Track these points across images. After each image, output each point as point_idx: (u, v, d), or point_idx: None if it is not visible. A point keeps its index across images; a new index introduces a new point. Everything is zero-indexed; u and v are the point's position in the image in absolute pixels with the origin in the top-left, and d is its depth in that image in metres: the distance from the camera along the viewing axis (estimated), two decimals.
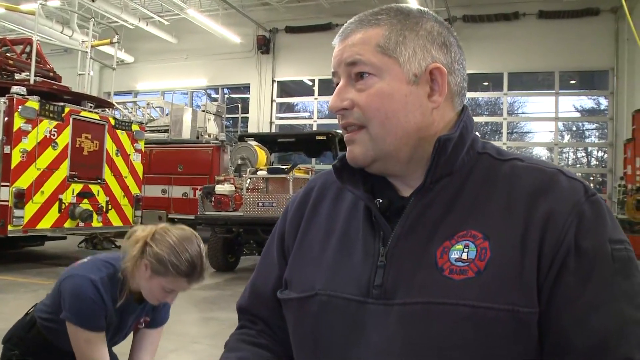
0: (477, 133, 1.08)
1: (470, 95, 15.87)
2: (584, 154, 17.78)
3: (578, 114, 16.77)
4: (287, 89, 18.90)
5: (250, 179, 8.95)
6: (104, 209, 9.24)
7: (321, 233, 1.11)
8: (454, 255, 0.92)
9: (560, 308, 0.87)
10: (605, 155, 15.89)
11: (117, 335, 2.26)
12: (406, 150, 1.01)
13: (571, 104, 16.46)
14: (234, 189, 9.10)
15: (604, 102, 16.02)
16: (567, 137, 17.18)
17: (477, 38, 14.94)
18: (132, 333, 2.35)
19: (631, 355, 0.83)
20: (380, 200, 1.04)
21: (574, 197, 0.93)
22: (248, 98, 18.51)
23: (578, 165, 17.18)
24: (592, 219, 0.91)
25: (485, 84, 17.00)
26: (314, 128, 17.46)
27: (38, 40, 9.96)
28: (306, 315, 1.04)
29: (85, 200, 8.94)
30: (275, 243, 1.22)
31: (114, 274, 2.12)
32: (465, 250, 0.92)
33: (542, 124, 16.83)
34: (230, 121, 17.99)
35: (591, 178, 16.42)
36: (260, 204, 8.65)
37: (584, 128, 17.25)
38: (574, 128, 17.29)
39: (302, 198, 1.21)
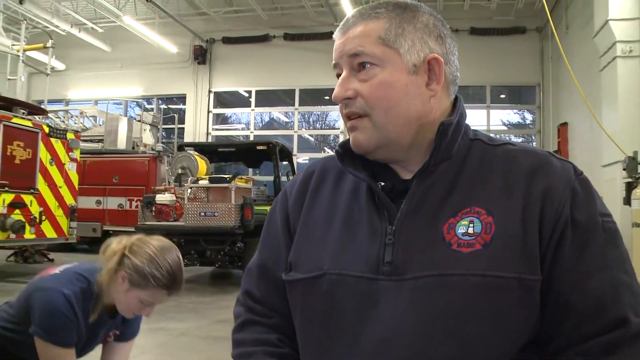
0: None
1: None
2: None
3: (505, 128, 17.43)
4: (222, 100, 18.74)
5: (191, 188, 8.84)
6: (38, 220, 8.83)
7: (323, 215, 1.15)
8: (461, 230, 0.99)
9: (561, 275, 0.96)
10: None
11: (85, 349, 2.17)
12: (407, 137, 1.07)
13: (499, 118, 17.10)
14: (174, 198, 8.98)
15: (529, 117, 16.75)
16: None
17: None
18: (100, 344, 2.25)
19: (625, 314, 0.93)
20: (383, 183, 1.10)
21: (566, 175, 1.02)
22: (184, 109, 18.23)
23: None
24: (583, 194, 1.00)
25: None
26: (251, 139, 17.36)
27: None
28: (315, 295, 1.07)
29: (17, 211, 8.49)
30: (279, 226, 1.21)
31: (88, 287, 2.02)
32: (471, 225, 0.99)
33: None
34: (165, 132, 17.66)
35: None
36: (202, 214, 8.54)
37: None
38: None
39: (302, 181, 1.23)
